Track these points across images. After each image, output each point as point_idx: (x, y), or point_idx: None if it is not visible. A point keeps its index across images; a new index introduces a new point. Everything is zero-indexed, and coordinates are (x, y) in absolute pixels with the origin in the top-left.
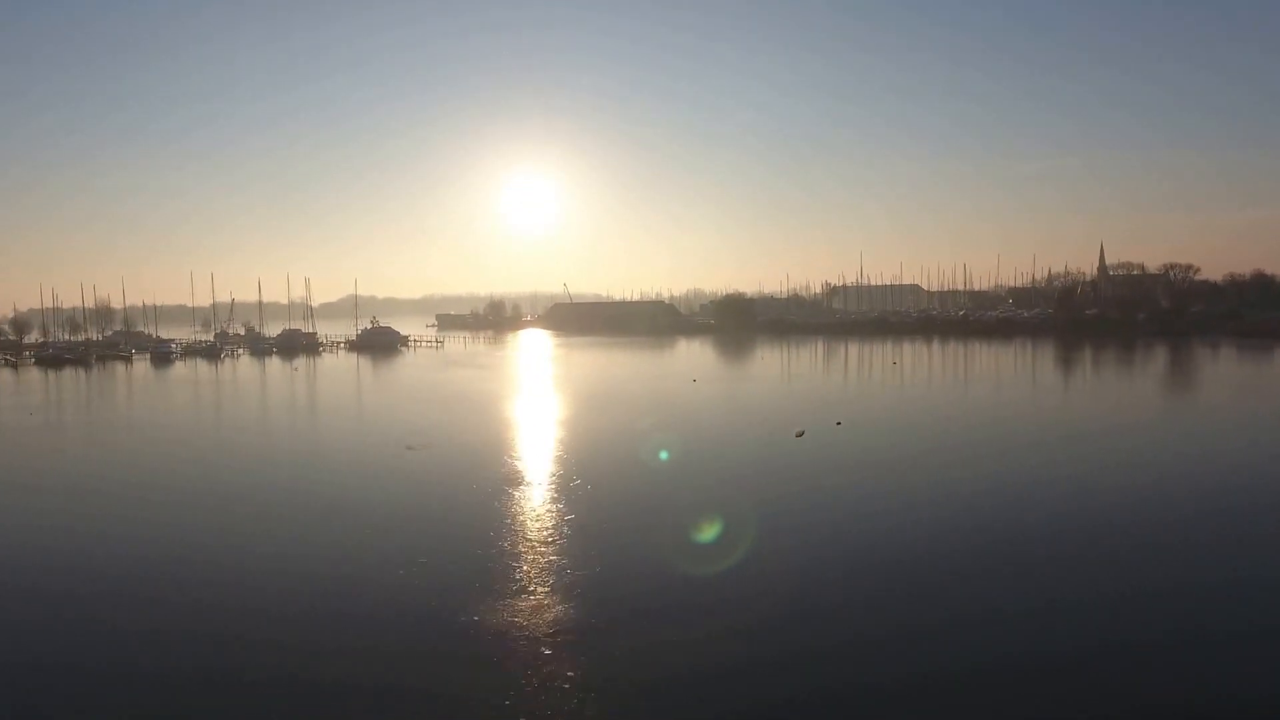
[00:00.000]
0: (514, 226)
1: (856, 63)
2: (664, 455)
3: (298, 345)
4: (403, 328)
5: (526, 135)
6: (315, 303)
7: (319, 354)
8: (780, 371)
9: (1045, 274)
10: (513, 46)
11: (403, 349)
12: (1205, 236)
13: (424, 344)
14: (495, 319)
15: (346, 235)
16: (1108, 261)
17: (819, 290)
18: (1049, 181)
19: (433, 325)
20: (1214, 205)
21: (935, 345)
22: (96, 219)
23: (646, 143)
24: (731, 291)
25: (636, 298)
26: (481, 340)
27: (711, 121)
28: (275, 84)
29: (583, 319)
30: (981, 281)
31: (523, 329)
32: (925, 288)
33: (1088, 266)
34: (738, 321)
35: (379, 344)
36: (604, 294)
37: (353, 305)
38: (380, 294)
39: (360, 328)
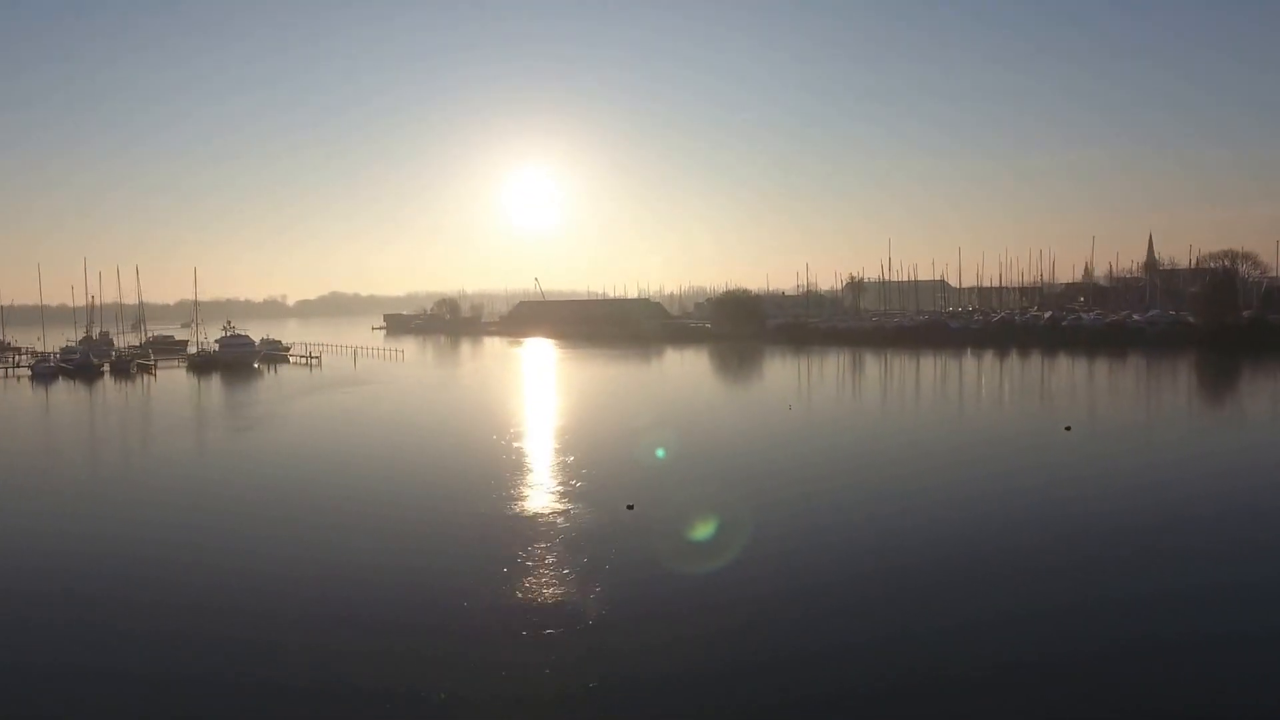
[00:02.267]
0: (515, 223)
1: (868, 56)
2: None
3: (96, 363)
4: (349, 330)
5: (530, 132)
6: (292, 301)
7: (130, 375)
8: (834, 455)
9: (1084, 269)
10: (516, 42)
11: (260, 367)
12: (1231, 231)
13: (300, 359)
14: (453, 320)
15: (333, 232)
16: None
17: (836, 287)
18: (1058, 176)
19: (380, 328)
20: (1238, 200)
21: (1038, 364)
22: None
23: (651, 139)
24: (734, 287)
25: (634, 295)
26: (411, 351)
27: (717, 117)
28: (268, 78)
29: (553, 320)
30: (1007, 276)
31: (485, 334)
32: (953, 284)
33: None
34: (741, 325)
35: (227, 360)
36: (601, 291)
37: (334, 303)
38: (364, 291)
39: (203, 338)
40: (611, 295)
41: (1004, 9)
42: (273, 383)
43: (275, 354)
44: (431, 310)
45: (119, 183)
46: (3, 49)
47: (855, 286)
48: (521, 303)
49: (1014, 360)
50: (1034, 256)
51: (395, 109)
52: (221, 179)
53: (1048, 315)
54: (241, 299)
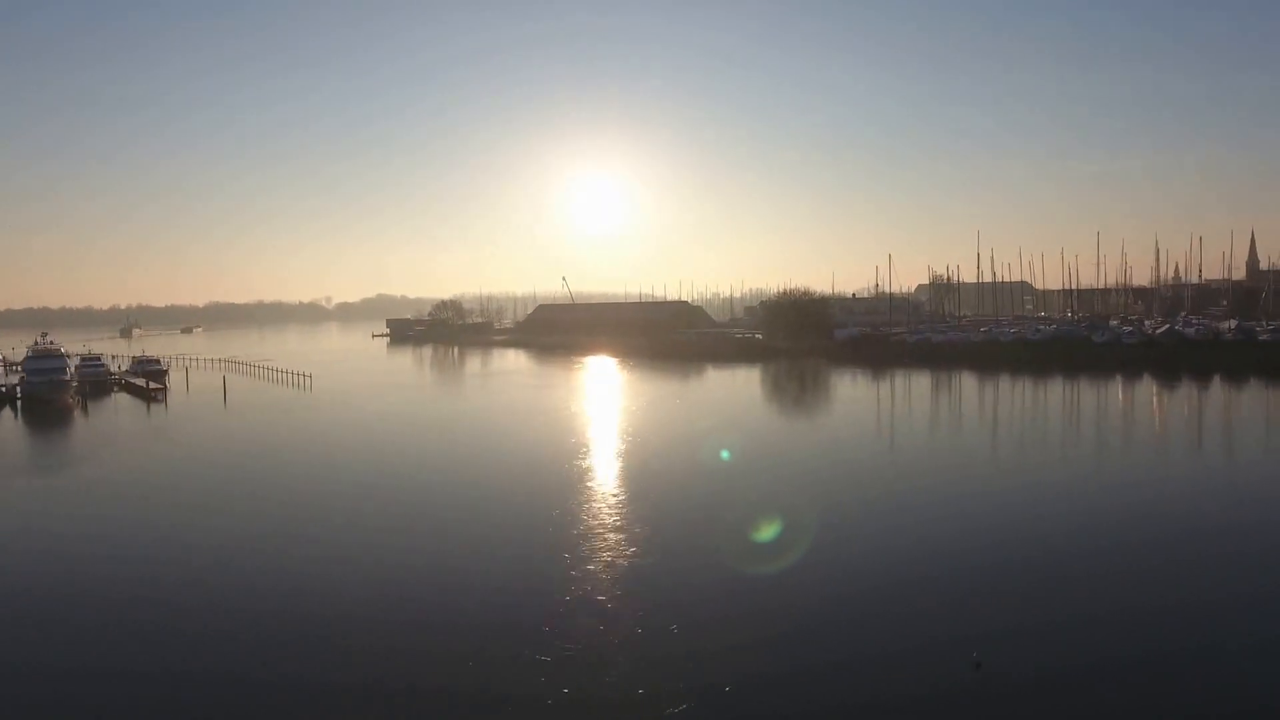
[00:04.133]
0: (575, 226)
1: (940, 58)
2: None
3: None
4: (350, 334)
5: (592, 134)
6: (334, 304)
7: None
8: None
9: (1171, 272)
10: (581, 45)
11: (66, 398)
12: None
13: (152, 387)
14: (461, 327)
15: (389, 235)
16: None
17: (903, 289)
18: (1107, 182)
19: (382, 335)
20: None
21: None
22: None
23: (716, 141)
24: (791, 288)
25: (688, 296)
26: (361, 371)
27: (783, 119)
28: (325, 80)
29: (572, 327)
30: (1080, 278)
31: (492, 343)
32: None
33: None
34: (801, 335)
35: (28, 391)
36: (640, 294)
37: (378, 306)
38: (413, 294)
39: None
40: (666, 298)
41: (1082, 10)
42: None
43: (145, 373)
44: (431, 315)
45: (163, 187)
46: (59, 54)
47: (940, 288)
48: (540, 306)
49: (1251, 396)
50: (1116, 257)
51: (455, 111)
52: (275, 181)
53: (1232, 325)
54: (288, 301)
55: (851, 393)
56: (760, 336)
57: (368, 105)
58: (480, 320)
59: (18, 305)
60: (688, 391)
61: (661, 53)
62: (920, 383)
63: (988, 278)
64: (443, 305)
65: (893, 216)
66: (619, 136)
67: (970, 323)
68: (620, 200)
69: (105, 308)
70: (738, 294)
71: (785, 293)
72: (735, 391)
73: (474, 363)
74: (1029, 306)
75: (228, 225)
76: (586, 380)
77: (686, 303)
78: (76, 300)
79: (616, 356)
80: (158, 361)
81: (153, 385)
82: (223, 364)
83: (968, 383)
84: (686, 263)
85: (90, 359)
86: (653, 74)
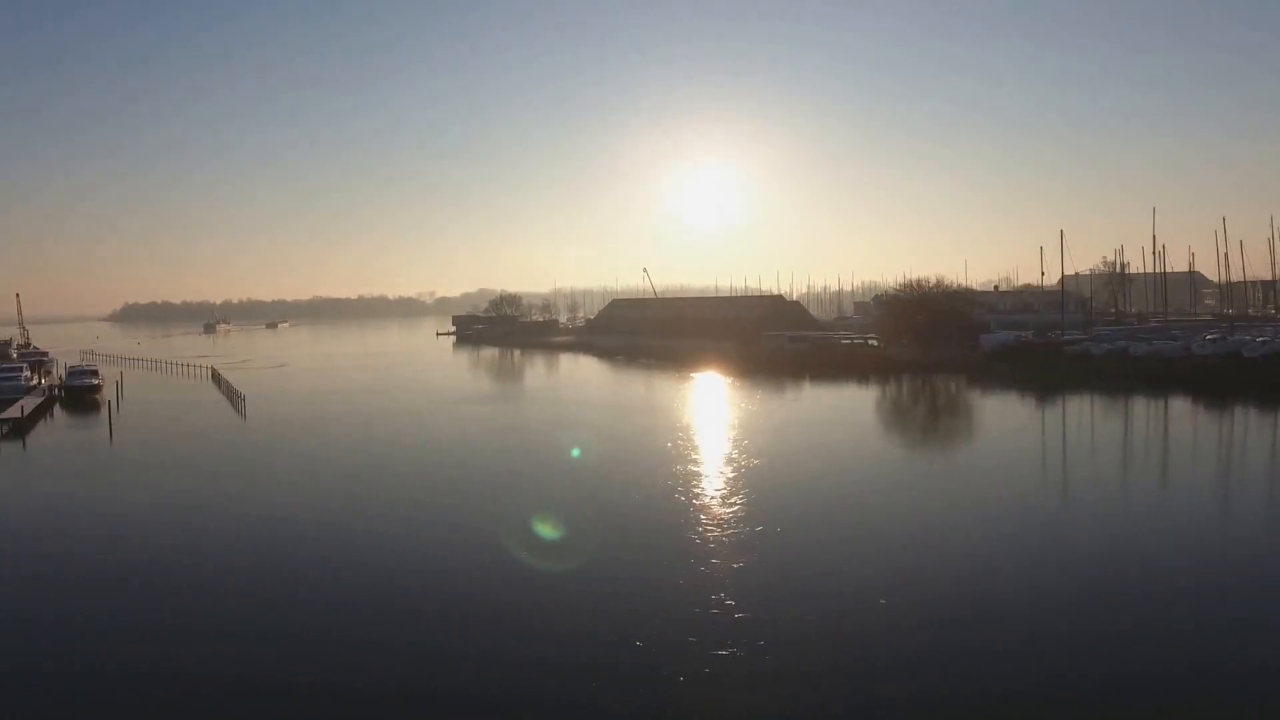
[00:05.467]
0: (694, 222)
1: (1070, 43)
2: None
3: None
4: (412, 330)
5: (713, 130)
6: (435, 297)
7: None
8: None
9: None
10: (688, 50)
11: None
12: None
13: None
14: (526, 325)
15: (496, 231)
16: None
17: (1036, 283)
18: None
19: (448, 334)
20: None
21: None
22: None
23: (841, 134)
24: (917, 278)
25: (793, 293)
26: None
27: (891, 112)
28: (448, 89)
29: (645, 325)
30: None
31: (551, 346)
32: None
33: None
34: (933, 342)
35: None
36: (745, 287)
37: (479, 300)
38: (513, 288)
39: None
40: (761, 291)
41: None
42: None
43: (78, 386)
44: (488, 310)
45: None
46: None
47: (1115, 278)
48: (613, 301)
49: None
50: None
51: (564, 110)
52: (388, 181)
53: None
54: (390, 296)
55: (1056, 454)
56: (875, 342)
57: (484, 108)
58: (540, 319)
59: (143, 299)
60: (758, 446)
61: (774, 45)
62: (1132, 422)
63: (1170, 266)
64: (501, 300)
65: (1041, 200)
66: (727, 132)
67: (1178, 326)
68: (722, 194)
69: (218, 302)
70: (847, 288)
71: (909, 285)
72: (850, 445)
73: (497, 372)
74: (1209, 301)
75: (340, 223)
76: (603, 418)
77: (781, 297)
78: (195, 295)
79: (684, 368)
80: (95, 373)
81: (3, 418)
82: (210, 370)
83: (1212, 421)
84: (790, 256)
85: (8, 368)
86: (763, 65)
